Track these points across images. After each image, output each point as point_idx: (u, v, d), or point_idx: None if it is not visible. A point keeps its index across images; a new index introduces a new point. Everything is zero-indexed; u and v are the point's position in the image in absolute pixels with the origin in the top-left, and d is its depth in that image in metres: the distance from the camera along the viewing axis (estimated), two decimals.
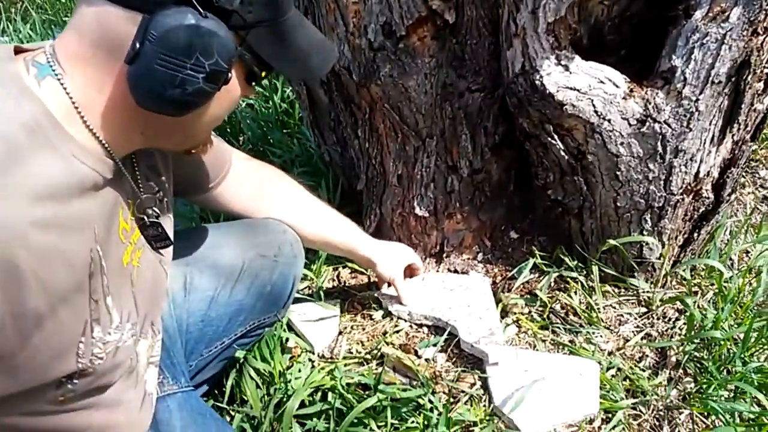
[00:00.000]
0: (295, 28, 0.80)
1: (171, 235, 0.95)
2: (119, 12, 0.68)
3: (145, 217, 0.88)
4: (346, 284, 1.60)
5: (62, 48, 0.71)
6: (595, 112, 1.28)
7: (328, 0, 1.37)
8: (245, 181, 1.24)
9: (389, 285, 1.48)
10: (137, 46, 0.67)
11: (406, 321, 1.44)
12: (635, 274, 1.49)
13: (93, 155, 0.72)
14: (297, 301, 1.48)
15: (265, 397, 1.28)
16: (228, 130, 2.27)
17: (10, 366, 0.68)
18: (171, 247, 0.98)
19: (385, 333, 1.41)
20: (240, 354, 1.26)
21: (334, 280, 1.61)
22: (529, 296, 1.48)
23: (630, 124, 1.28)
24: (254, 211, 1.27)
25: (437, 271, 1.62)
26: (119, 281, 0.80)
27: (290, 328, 1.42)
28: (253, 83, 0.83)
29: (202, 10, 0.69)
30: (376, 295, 1.50)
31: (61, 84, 0.70)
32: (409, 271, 1.52)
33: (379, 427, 1.18)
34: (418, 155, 1.51)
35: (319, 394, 1.28)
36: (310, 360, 1.37)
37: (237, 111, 2.34)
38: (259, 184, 1.28)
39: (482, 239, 1.63)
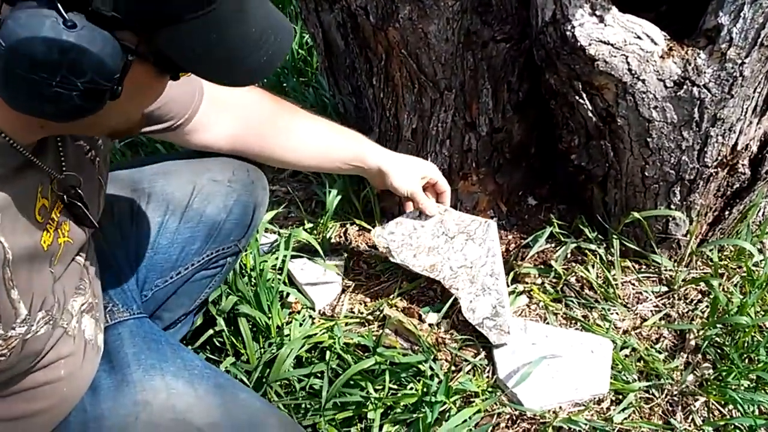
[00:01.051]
0: (227, 21, 0.62)
1: (96, 209, 0.88)
2: None
3: (65, 196, 0.78)
4: (353, 242, 1.53)
5: None
6: (629, 70, 1.18)
7: None
8: (221, 112, 1.13)
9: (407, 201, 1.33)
10: None
11: (409, 268, 1.31)
12: (658, 250, 1.40)
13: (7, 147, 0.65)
14: (300, 256, 1.42)
15: (261, 350, 1.23)
16: None
17: None
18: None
19: (389, 295, 1.34)
20: (213, 296, 1.23)
21: (340, 237, 1.55)
22: (543, 266, 1.40)
23: (666, 87, 1.18)
24: (233, 145, 1.16)
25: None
26: (31, 268, 0.72)
27: (291, 282, 1.38)
28: (180, 76, 0.68)
29: (66, 16, 0.54)
30: (378, 234, 1.33)
31: None
32: (433, 191, 1.33)
33: (376, 390, 1.13)
34: (434, 109, 1.42)
35: (317, 353, 1.23)
36: (310, 317, 1.32)
37: None
38: (236, 112, 1.16)
39: (498, 203, 1.55)
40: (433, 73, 1.37)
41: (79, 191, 0.80)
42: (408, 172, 1.25)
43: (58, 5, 0.54)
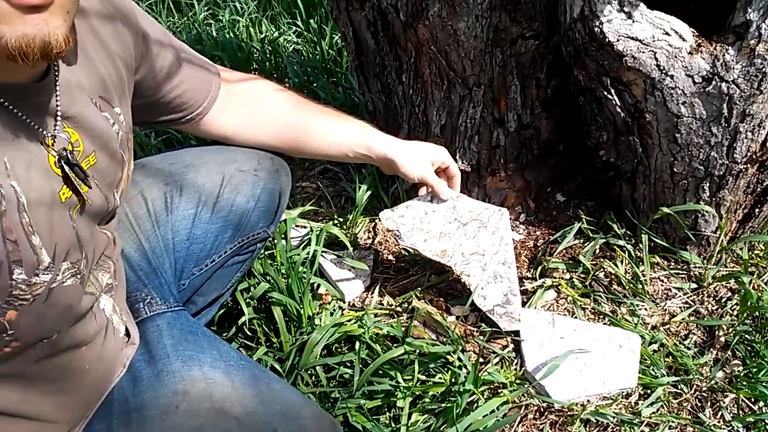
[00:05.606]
0: None
1: (115, 185, 0.89)
2: None
3: (59, 158, 0.76)
4: (382, 237, 1.55)
5: None
6: (657, 66, 1.18)
7: None
8: (234, 101, 1.17)
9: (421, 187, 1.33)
10: None
11: (419, 252, 1.28)
12: (687, 247, 1.40)
13: None
14: (330, 248, 1.45)
15: (292, 339, 1.26)
16: (274, 75, 2.24)
17: None
18: (121, 184, 0.92)
19: (417, 288, 1.36)
20: (242, 285, 1.27)
21: (369, 232, 1.57)
22: (571, 262, 1.40)
23: (694, 82, 1.18)
24: (247, 133, 1.20)
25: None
26: (51, 216, 0.74)
27: (321, 275, 1.40)
28: None
29: None
30: (386, 216, 1.31)
31: None
32: (445, 176, 1.32)
33: (405, 380, 1.15)
34: (463, 105, 1.44)
35: (346, 344, 1.26)
36: (339, 308, 1.34)
37: (284, 55, 2.29)
38: (249, 102, 1.20)
39: (526, 200, 1.56)
40: (462, 70, 1.38)
41: (72, 157, 0.77)
42: (416, 158, 1.24)
43: None
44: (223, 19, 2.56)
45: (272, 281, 1.28)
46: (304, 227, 1.53)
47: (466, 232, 1.29)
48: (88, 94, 0.84)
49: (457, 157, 1.49)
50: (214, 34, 2.45)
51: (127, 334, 0.99)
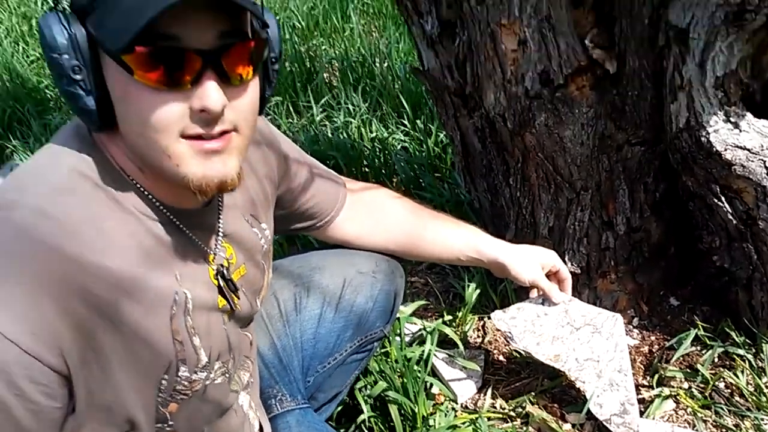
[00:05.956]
0: None
1: (258, 292, 1.00)
2: None
3: (217, 274, 0.88)
4: (491, 336, 1.58)
5: None
6: None
7: (486, 47, 1.38)
8: (358, 209, 1.27)
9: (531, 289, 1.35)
10: None
11: (532, 355, 1.30)
12: None
13: (155, 208, 0.78)
14: (440, 346, 1.49)
15: None
16: (383, 171, 2.36)
17: (100, 405, 0.74)
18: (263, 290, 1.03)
19: (530, 391, 1.37)
20: (359, 384, 1.33)
21: (479, 330, 1.61)
22: (689, 370, 1.37)
23: None
24: (368, 238, 1.29)
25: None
26: (209, 321, 0.85)
27: (434, 374, 1.44)
28: (135, 71, 0.66)
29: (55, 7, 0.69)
30: (498, 318, 1.33)
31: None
32: (555, 279, 1.34)
33: None
34: (571, 208, 1.48)
35: None
36: (453, 409, 1.37)
37: (392, 153, 2.42)
38: (371, 210, 1.30)
39: (638, 303, 1.55)
40: (569, 175, 1.43)
41: (226, 274, 0.89)
42: (527, 261, 1.28)
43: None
44: (337, 120, 2.75)
45: (388, 379, 1.34)
46: (415, 324, 1.59)
47: (580, 336, 1.30)
48: (242, 212, 0.97)
49: (566, 259, 1.52)
50: (329, 134, 2.63)
51: (261, 429, 1.07)
